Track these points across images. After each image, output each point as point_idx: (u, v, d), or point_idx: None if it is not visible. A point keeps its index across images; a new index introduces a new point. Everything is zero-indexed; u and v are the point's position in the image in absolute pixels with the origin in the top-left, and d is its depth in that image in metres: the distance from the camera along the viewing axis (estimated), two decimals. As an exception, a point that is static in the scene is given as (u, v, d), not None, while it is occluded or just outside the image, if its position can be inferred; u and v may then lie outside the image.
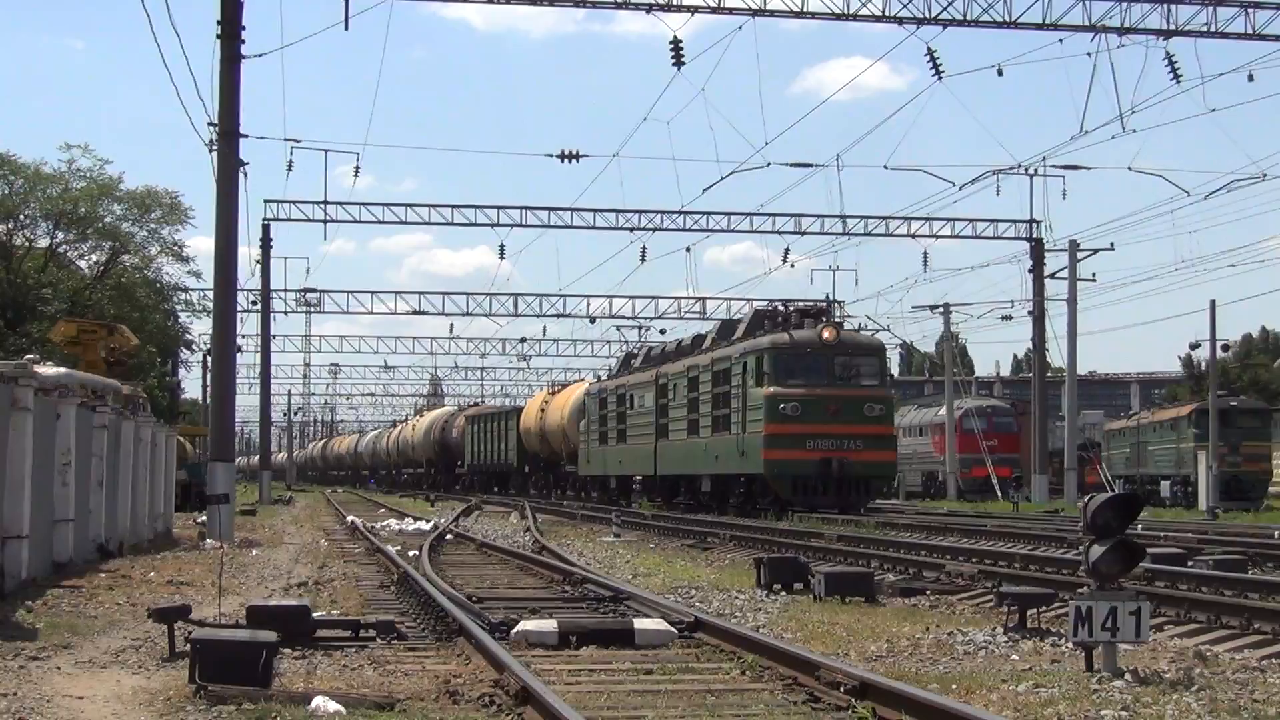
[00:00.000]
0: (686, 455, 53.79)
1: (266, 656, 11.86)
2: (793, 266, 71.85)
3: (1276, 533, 31.22)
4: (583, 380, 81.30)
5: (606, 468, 64.78)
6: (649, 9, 38.55)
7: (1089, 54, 39.27)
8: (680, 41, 38.88)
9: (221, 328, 38.98)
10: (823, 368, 45.40)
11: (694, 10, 38.58)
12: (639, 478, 58.91)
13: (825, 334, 45.32)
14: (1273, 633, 15.54)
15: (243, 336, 66.24)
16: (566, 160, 53.52)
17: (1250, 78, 40.84)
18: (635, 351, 67.56)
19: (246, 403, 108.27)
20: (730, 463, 47.83)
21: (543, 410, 76.19)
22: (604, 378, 72.95)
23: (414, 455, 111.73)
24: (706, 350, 53.24)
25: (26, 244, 71.86)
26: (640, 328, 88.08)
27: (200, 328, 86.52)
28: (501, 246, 70.93)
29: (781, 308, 50.35)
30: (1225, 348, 68.47)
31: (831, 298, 57.66)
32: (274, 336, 79.85)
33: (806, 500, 43.92)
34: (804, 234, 68.60)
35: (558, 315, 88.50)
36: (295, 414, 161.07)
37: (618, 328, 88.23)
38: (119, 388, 33.82)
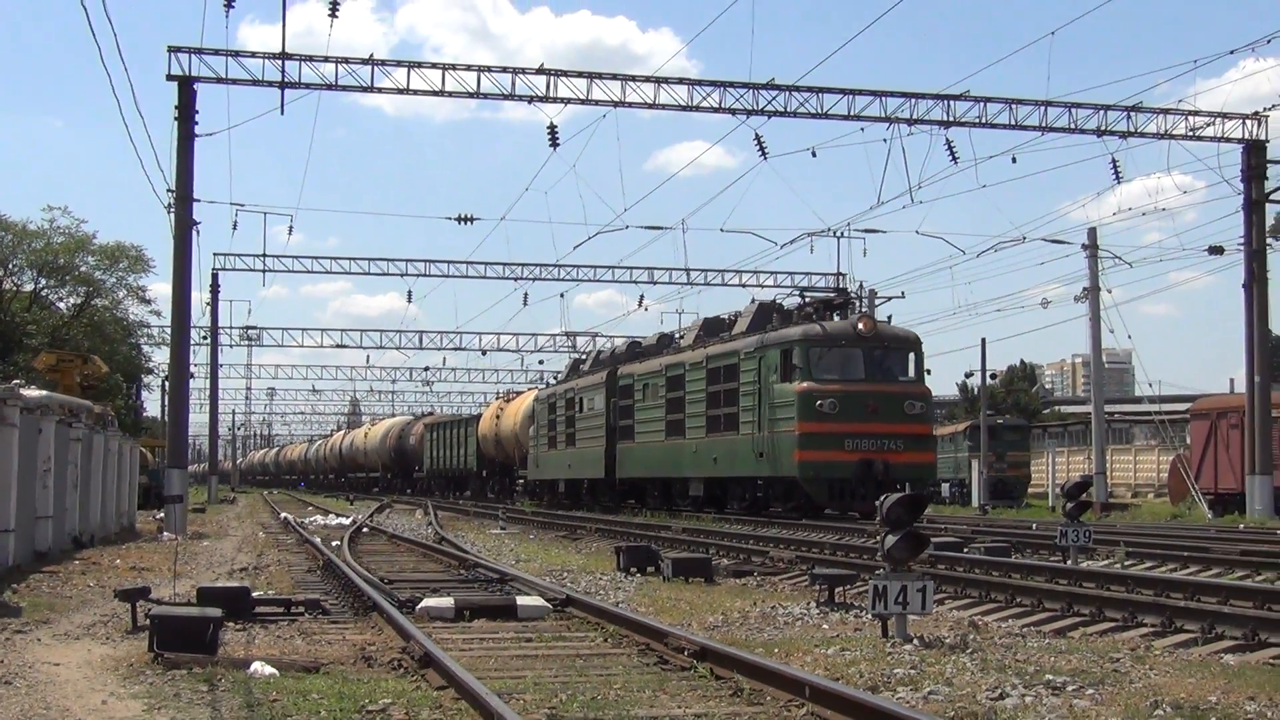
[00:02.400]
0: (664, 458, 42.65)
1: (213, 629, 11.75)
2: (646, 310, 72.21)
3: (1034, 525, 31.54)
4: (534, 388, 70.38)
5: (555, 472, 54.86)
6: (530, 100, 38.54)
7: (884, 140, 39.63)
8: (555, 127, 39.03)
9: (177, 358, 38.87)
10: (859, 361, 35.02)
11: (566, 101, 38.63)
12: (587, 482, 50.72)
13: (861, 325, 35.08)
14: (1031, 605, 15.72)
15: (195, 365, 65.21)
16: (462, 222, 53.16)
17: (1014, 160, 41.51)
18: (584, 357, 58.33)
19: (198, 419, 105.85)
20: (741, 464, 37.15)
21: (498, 417, 67.13)
22: (553, 383, 62.04)
23: (367, 461, 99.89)
24: (690, 348, 42.50)
25: (14, 288, 71.16)
26: (520, 354, 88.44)
27: (159, 357, 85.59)
28: (409, 292, 70.16)
29: (799, 298, 39.19)
30: (993, 376, 69.42)
31: (866, 289, 44.29)
32: (221, 365, 78.71)
33: (844, 505, 34.44)
34: (655, 283, 68.70)
35: (455, 348, 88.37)
36: (238, 429, 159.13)
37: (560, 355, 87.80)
38: (91, 407, 33.44)
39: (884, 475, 33.41)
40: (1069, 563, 19.88)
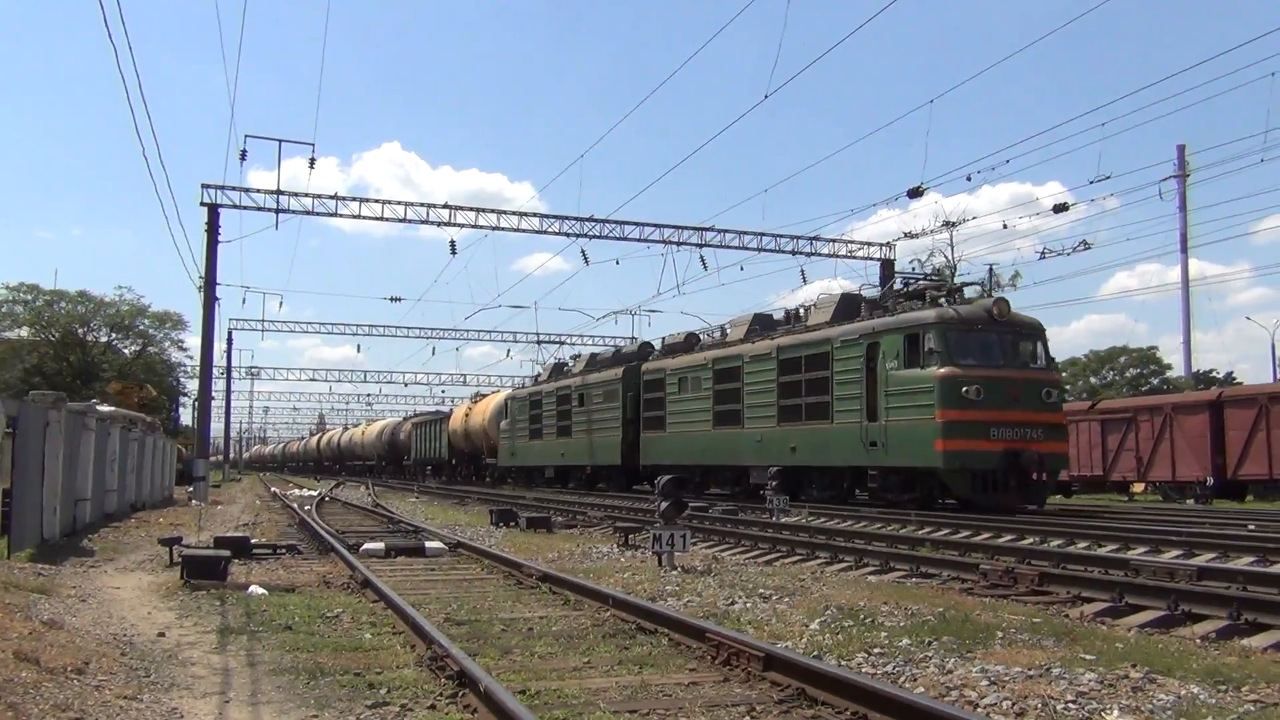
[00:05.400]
0: (710, 446, 29.16)
1: (224, 564, 11.48)
2: (510, 358, 72.36)
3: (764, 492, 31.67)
4: (499, 391, 57.28)
5: (540, 460, 41.04)
6: (439, 224, 38.35)
7: (662, 254, 39.97)
8: (455, 241, 38.91)
9: (203, 387, 37.70)
10: (996, 346, 22.29)
11: (462, 225, 38.45)
12: (590, 468, 36.87)
13: (996, 309, 22.39)
14: (751, 546, 15.91)
15: (215, 392, 63.17)
16: (393, 301, 53.08)
17: (741, 268, 42.33)
18: (566, 361, 44.27)
19: (216, 427, 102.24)
20: (837, 453, 24.00)
21: (467, 415, 54.88)
22: (527, 384, 46.88)
23: (364, 453, 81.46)
24: (742, 341, 28.88)
25: (94, 339, 69.05)
26: (430, 387, 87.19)
27: (191, 386, 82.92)
28: (359, 346, 70.65)
29: (901, 285, 25.76)
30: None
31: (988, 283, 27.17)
32: (233, 392, 76.69)
33: (987, 498, 21.21)
34: (517, 342, 68.75)
35: (388, 383, 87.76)
36: (244, 433, 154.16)
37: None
38: (145, 419, 32.47)
39: (1037, 465, 21.60)
40: (774, 519, 20.16)
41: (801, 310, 28.39)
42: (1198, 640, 7.91)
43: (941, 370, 21.54)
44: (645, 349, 36.73)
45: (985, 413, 21.36)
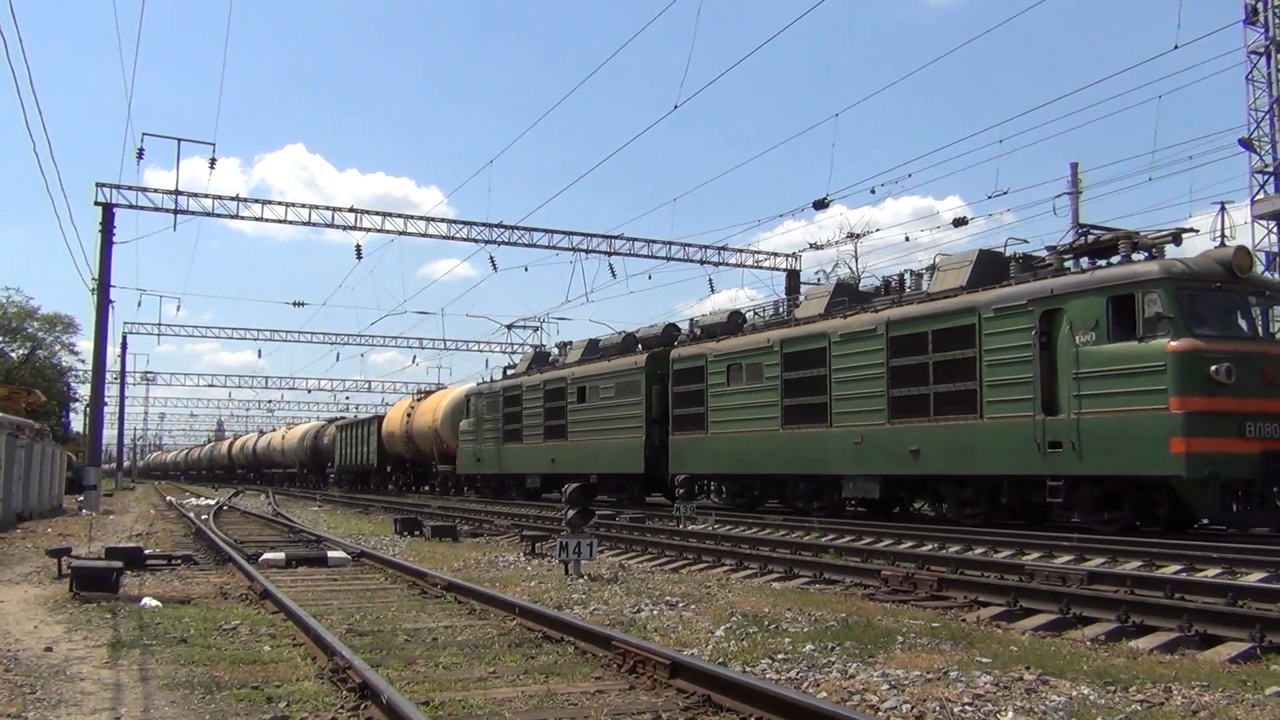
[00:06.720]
0: (775, 450, 22.63)
1: (116, 575, 11.13)
2: (416, 365, 71.55)
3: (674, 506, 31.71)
4: (451, 386, 48.62)
5: (521, 466, 34.27)
6: (344, 228, 37.85)
7: (571, 261, 40.01)
8: (360, 246, 38.30)
9: (95, 392, 36.59)
10: (1240, 313, 15.87)
11: (368, 230, 38.05)
12: (595, 476, 29.30)
13: (1237, 261, 15.85)
14: (658, 553, 15.96)
15: (108, 397, 61.45)
16: (297, 305, 52.11)
17: (649, 276, 43.28)
18: (550, 350, 37.78)
19: (109, 433, 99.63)
20: (991, 459, 17.64)
21: (409, 415, 46.13)
22: (492, 378, 38.75)
23: (284, 459, 72.26)
24: (821, 317, 22.32)
25: (-22, 344, 66.74)
26: (335, 394, 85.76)
27: (84, 391, 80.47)
28: (259, 350, 68.65)
29: (1079, 235, 18.45)
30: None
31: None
32: (127, 397, 74.55)
33: (1240, 518, 15.36)
34: (423, 349, 68.23)
35: (290, 389, 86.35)
36: (138, 440, 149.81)
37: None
38: (33, 425, 31.49)
39: None
40: (681, 527, 20.24)
41: (909, 276, 21.85)
42: (1088, 642, 8.15)
43: (1176, 343, 15.33)
44: (671, 332, 29.86)
45: (1238, 401, 15.26)
